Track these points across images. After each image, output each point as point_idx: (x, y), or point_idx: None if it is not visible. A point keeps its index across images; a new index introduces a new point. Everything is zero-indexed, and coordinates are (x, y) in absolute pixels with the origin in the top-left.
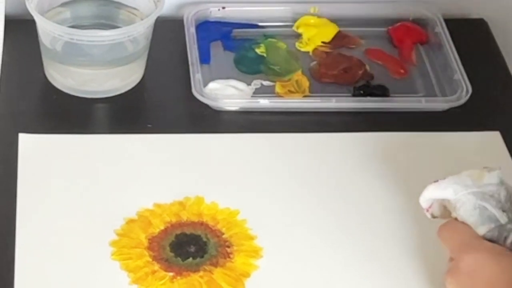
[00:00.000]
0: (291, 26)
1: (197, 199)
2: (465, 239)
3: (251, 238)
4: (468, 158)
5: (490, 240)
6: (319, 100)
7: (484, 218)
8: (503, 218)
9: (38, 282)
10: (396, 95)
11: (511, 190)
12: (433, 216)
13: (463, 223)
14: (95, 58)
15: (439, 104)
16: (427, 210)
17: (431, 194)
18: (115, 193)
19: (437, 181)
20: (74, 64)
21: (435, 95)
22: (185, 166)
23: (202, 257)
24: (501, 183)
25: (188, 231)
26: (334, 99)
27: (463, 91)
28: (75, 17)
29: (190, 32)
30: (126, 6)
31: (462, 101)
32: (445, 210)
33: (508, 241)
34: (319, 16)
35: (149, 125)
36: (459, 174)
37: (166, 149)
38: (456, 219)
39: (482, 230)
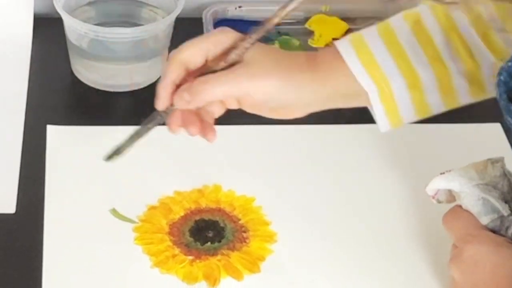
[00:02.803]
0: (304, 23)
1: (215, 187)
2: (469, 228)
3: (266, 223)
4: (470, 149)
5: (493, 230)
6: None
7: (487, 209)
8: (505, 210)
9: (64, 264)
10: None
11: None
12: (439, 201)
13: (467, 211)
14: (119, 54)
15: None
16: (433, 197)
17: (437, 185)
18: (137, 181)
19: (443, 173)
20: (99, 59)
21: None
22: (204, 155)
23: (219, 241)
24: (504, 175)
25: (206, 217)
26: None
27: None
28: (100, 15)
29: (209, 30)
30: (148, 5)
31: None
32: (450, 195)
33: (510, 231)
34: (330, 14)
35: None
36: (464, 167)
37: (185, 139)
38: (460, 206)
39: (485, 220)
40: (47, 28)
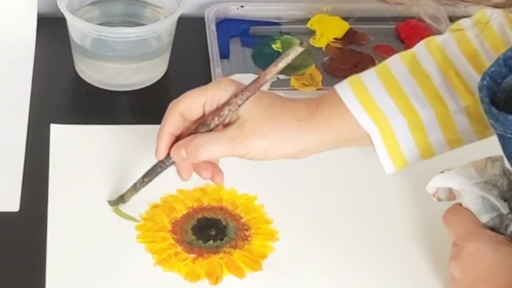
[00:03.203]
0: (306, 23)
1: (217, 185)
2: (468, 227)
3: (268, 222)
4: (470, 148)
5: (492, 228)
6: None
7: (486, 207)
8: (504, 208)
9: (68, 262)
10: None
11: None
12: (439, 199)
13: (467, 209)
14: (122, 53)
15: None
16: (433, 195)
17: (437, 184)
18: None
19: (443, 171)
20: (102, 59)
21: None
22: None
23: (222, 239)
24: (504, 173)
25: (209, 215)
26: None
27: None
28: (103, 15)
29: (211, 29)
30: (151, 4)
31: None
32: (450, 194)
33: (509, 229)
34: (331, 14)
35: None
36: (464, 166)
37: None
38: (460, 204)
39: (484, 218)
40: (51, 27)
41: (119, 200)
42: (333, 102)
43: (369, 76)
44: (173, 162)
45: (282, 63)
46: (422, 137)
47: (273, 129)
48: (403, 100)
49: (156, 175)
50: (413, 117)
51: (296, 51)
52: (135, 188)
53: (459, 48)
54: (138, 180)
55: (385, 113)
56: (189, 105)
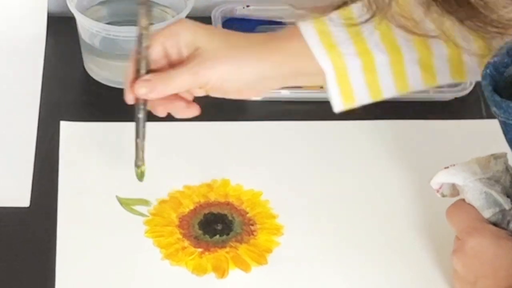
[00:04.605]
0: None
1: (223, 181)
2: (471, 222)
3: (273, 217)
4: (474, 144)
5: (494, 224)
6: None
7: (489, 203)
8: (507, 204)
9: (77, 257)
10: None
11: None
12: (443, 195)
13: (470, 205)
14: (130, 52)
15: (445, 94)
16: (438, 191)
17: (441, 179)
18: (148, 176)
19: (447, 167)
20: (110, 57)
21: (442, 86)
22: (213, 151)
23: (228, 234)
24: (507, 170)
25: (215, 210)
26: None
27: (467, 82)
28: (112, 14)
29: None
30: (159, 4)
31: (466, 91)
32: (454, 189)
33: (511, 225)
34: None
35: None
36: (468, 161)
37: (194, 135)
38: (463, 200)
39: (487, 214)
40: (61, 27)
41: (139, 164)
42: (292, 36)
43: (333, 18)
44: (145, 105)
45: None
46: (373, 79)
47: (231, 55)
48: (362, 42)
49: (139, 123)
50: (368, 60)
51: None
52: (138, 148)
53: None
54: (135, 142)
55: (342, 53)
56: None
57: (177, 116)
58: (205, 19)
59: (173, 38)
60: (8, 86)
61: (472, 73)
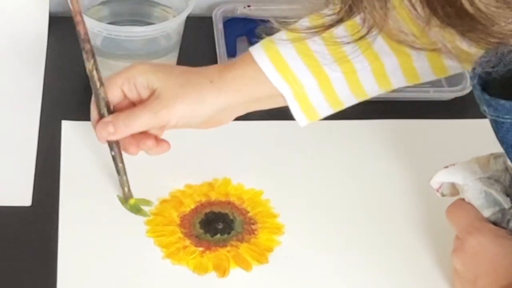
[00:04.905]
0: None
1: (224, 180)
2: (471, 221)
3: (274, 216)
4: (473, 143)
5: (494, 223)
6: None
7: (489, 202)
8: (507, 203)
9: (79, 256)
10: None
11: None
12: (443, 195)
13: (469, 204)
14: (131, 52)
15: (445, 94)
16: (437, 190)
17: (441, 179)
18: (149, 175)
19: (447, 167)
20: (112, 57)
21: (442, 86)
22: (214, 150)
23: (229, 233)
24: (507, 169)
25: (216, 209)
26: None
27: (467, 82)
28: (113, 14)
29: (218, 28)
30: (160, 4)
31: (466, 91)
32: (454, 189)
33: (511, 224)
34: None
35: None
36: (468, 161)
37: (195, 135)
38: (463, 199)
39: (487, 213)
40: (62, 27)
41: (127, 197)
42: (244, 63)
43: (280, 39)
44: (117, 144)
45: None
46: (331, 94)
47: (189, 93)
48: (313, 62)
49: (115, 160)
50: (322, 78)
51: None
52: (121, 184)
53: None
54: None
55: (297, 75)
56: (107, 89)
57: (149, 153)
58: (206, 19)
59: (130, 82)
60: (10, 85)
61: (425, 75)
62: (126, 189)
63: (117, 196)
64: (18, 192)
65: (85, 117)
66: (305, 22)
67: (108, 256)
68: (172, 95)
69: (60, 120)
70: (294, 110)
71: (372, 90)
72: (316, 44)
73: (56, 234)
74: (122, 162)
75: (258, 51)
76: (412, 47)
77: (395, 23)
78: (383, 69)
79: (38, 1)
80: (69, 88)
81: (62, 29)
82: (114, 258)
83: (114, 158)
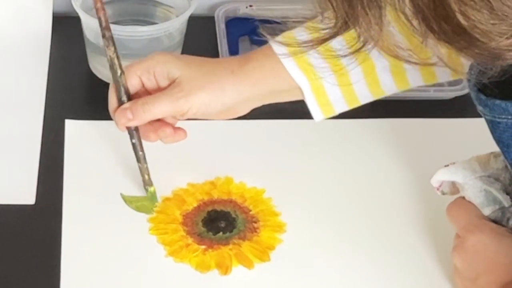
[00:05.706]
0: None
1: (226, 179)
2: (471, 219)
3: (276, 214)
4: (474, 142)
5: (494, 221)
6: None
7: (489, 200)
8: (507, 201)
9: (82, 254)
10: None
11: None
12: (443, 193)
13: (470, 202)
14: (135, 51)
15: (446, 93)
16: (438, 189)
17: (441, 177)
18: (152, 174)
19: (447, 165)
20: None
21: (442, 85)
22: (216, 149)
23: (231, 231)
24: (506, 167)
25: (218, 208)
26: None
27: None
28: (116, 14)
29: (221, 28)
30: (163, 4)
31: (466, 90)
32: (454, 187)
33: (511, 222)
34: None
35: None
36: (468, 159)
37: (198, 134)
38: (463, 198)
39: (487, 211)
40: (66, 26)
41: (147, 184)
42: (264, 55)
43: (301, 32)
44: (137, 131)
45: None
46: (349, 90)
47: (210, 82)
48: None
49: (135, 148)
50: (341, 73)
51: None
52: (141, 172)
53: None
54: (138, 167)
55: (316, 69)
56: (126, 77)
57: (165, 141)
58: (209, 19)
59: (149, 71)
60: (14, 85)
61: (442, 74)
62: (146, 176)
63: (121, 194)
64: (22, 191)
65: (89, 116)
66: (304, 35)
67: (111, 254)
68: (193, 83)
69: (63, 119)
70: (310, 104)
71: (390, 88)
72: (335, 41)
73: (60, 232)
74: (142, 150)
75: (277, 43)
76: (408, 62)
77: (391, 38)
78: (402, 67)
79: (42, 1)
80: (73, 88)
81: (66, 28)
82: (117, 255)
83: (134, 146)
